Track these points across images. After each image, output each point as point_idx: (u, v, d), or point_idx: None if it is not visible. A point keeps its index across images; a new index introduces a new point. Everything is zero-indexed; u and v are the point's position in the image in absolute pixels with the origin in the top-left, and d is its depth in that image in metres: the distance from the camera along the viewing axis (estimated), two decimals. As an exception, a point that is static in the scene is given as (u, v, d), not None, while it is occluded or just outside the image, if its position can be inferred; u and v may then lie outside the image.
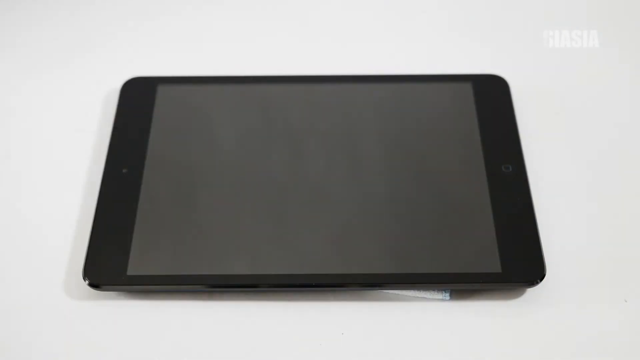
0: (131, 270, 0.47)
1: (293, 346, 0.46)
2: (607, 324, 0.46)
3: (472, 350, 0.45)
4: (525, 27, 0.61)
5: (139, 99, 0.55)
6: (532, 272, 0.45)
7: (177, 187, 0.51)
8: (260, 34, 0.61)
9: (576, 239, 0.49)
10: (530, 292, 0.47)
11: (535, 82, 0.57)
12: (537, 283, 0.46)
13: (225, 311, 0.47)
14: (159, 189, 0.51)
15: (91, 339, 0.46)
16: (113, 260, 0.47)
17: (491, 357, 0.45)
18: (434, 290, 0.47)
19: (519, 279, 0.46)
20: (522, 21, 0.62)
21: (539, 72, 0.58)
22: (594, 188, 0.52)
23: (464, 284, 0.46)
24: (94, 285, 0.46)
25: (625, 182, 0.52)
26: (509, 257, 0.47)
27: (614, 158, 0.54)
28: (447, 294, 0.47)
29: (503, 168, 0.51)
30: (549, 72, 0.58)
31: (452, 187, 0.51)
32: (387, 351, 0.45)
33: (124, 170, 0.51)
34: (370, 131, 0.53)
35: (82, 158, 0.54)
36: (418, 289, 0.47)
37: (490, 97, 0.55)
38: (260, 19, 0.62)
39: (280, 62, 0.59)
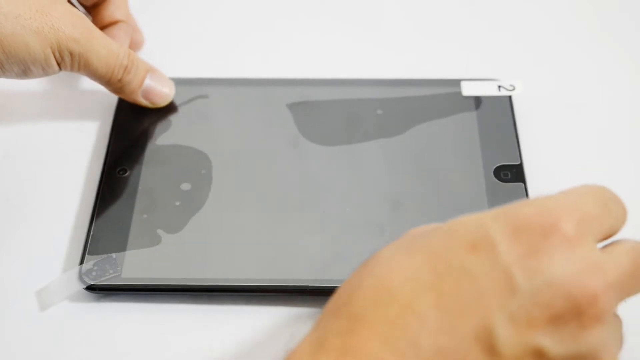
0: (126, 273, 0.47)
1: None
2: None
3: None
4: (525, 28, 0.61)
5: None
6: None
7: (174, 189, 0.51)
8: (260, 35, 0.62)
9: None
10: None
11: (534, 82, 0.57)
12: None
13: (222, 314, 0.47)
14: (156, 190, 0.51)
15: (87, 342, 0.46)
16: (109, 263, 0.47)
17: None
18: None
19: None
20: (521, 22, 0.62)
21: (538, 73, 0.58)
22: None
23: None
24: (90, 288, 0.47)
25: (625, 182, 0.52)
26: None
27: (615, 158, 0.53)
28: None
29: (502, 170, 0.51)
30: (548, 73, 0.58)
31: (451, 189, 0.51)
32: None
33: (122, 172, 0.52)
34: (370, 135, 0.53)
35: (81, 159, 0.54)
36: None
37: (489, 99, 0.55)
38: (260, 20, 0.63)
39: (280, 64, 0.59)
